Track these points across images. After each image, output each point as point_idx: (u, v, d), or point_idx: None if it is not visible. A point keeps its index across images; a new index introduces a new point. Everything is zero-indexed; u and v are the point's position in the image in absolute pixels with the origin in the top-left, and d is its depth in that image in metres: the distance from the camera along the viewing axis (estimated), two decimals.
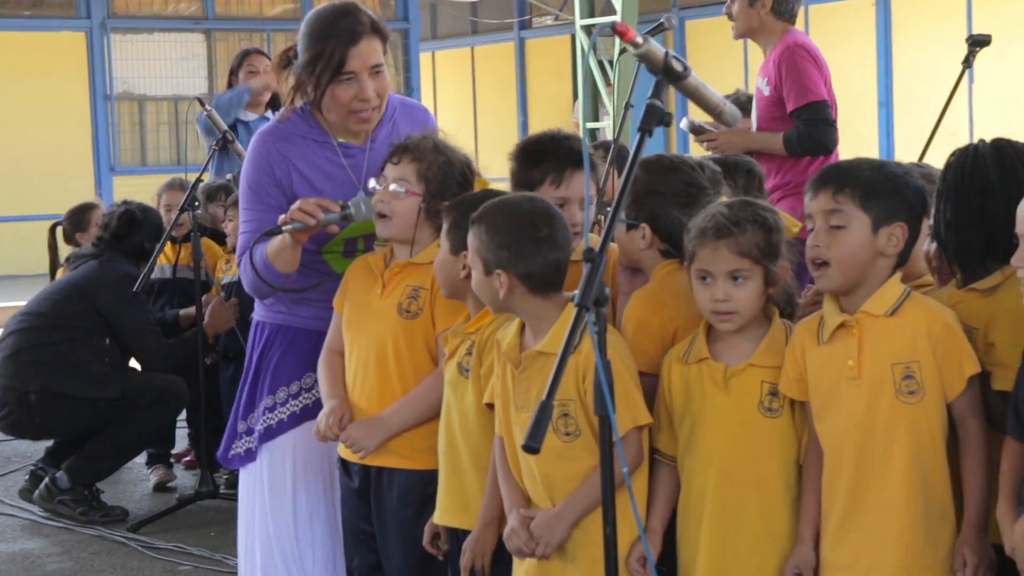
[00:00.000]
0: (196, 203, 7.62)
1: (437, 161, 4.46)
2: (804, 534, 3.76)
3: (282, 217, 4.47)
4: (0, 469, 8.78)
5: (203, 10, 19.27)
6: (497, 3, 23.36)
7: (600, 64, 15.37)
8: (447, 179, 4.45)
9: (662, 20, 7.41)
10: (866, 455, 3.66)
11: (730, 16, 7.14)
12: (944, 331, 3.63)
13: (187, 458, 8.70)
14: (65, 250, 8.63)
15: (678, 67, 3.40)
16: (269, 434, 4.81)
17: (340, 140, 4.70)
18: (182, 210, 7.68)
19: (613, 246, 4.16)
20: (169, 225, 7.90)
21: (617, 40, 4.14)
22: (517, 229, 3.90)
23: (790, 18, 7.04)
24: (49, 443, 8.14)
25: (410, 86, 19.73)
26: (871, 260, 3.68)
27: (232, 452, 4.93)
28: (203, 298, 7.83)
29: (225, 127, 8.09)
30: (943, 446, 3.65)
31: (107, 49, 18.52)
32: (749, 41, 7.36)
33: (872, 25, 18.64)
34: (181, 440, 8.74)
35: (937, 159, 4.03)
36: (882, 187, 3.69)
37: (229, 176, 8.43)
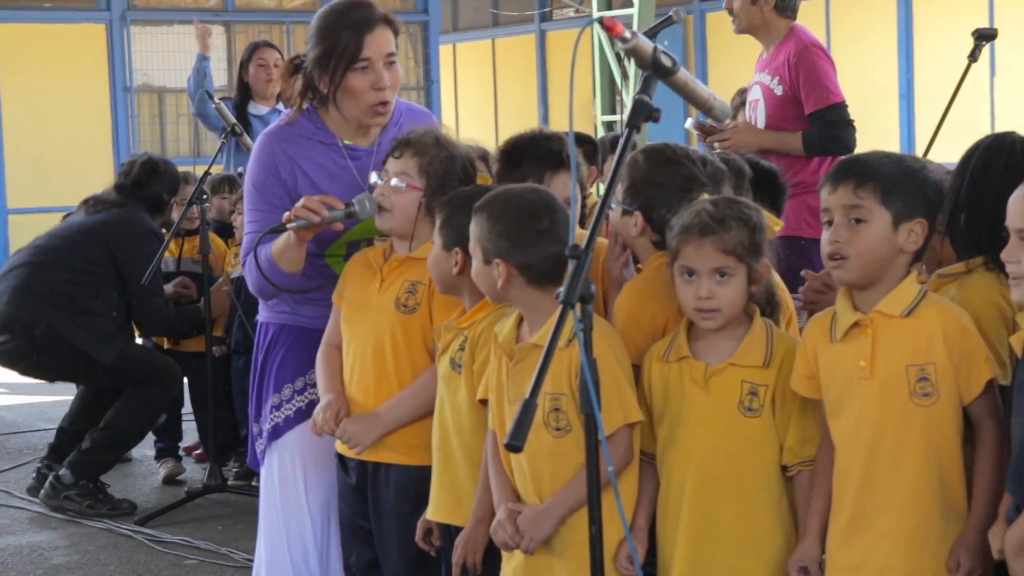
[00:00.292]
0: (205, 196, 7.62)
1: (439, 156, 4.45)
2: (811, 528, 3.74)
3: (286, 214, 4.46)
4: (11, 462, 8.79)
5: (223, 2, 19.25)
6: None
7: (618, 56, 15.35)
8: (449, 174, 4.44)
9: (670, 13, 7.39)
10: (877, 456, 3.61)
11: (730, 12, 7.09)
12: (960, 334, 3.58)
13: (197, 451, 8.70)
14: None
15: (667, 62, 3.37)
16: (276, 432, 4.80)
17: (346, 142, 4.69)
18: (190, 203, 7.68)
19: (601, 241, 4.14)
20: (178, 219, 7.91)
21: (628, 32, 4.13)
22: (518, 219, 3.89)
23: (792, 15, 6.99)
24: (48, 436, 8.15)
25: (429, 78, 19.67)
26: (891, 256, 3.63)
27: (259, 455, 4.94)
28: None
29: (233, 120, 8.10)
30: (958, 448, 3.60)
31: (127, 41, 18.49)
32: None
33: (893, 17, 18.56)
34: (191, 434, 8.73)
35: (955, 153, 3.97)
36: (903, 182, 3.64)
37: (240, 169, 8.42)
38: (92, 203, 8.00)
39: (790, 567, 3.73)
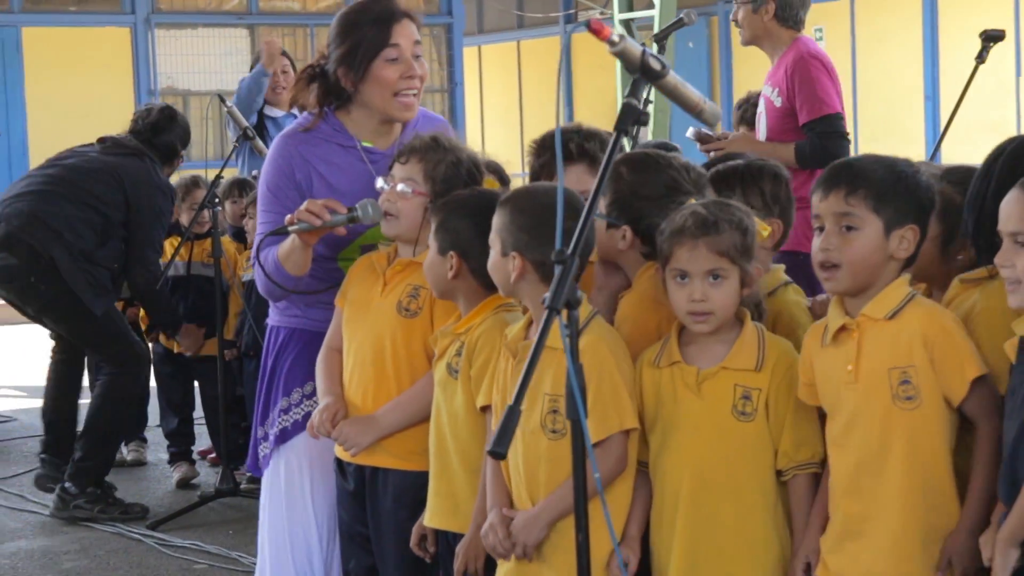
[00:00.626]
0: (217, 200, 7.61)
1: (444, 160, 4.44)
2: (813, 522, 3.72)
3: (288, 217, 4.46)
4: (26, 465, 8.76)
5: (246, 5, 19.31)
6: None
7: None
8: (454, 179, 4.42)
9: (681, 16, 7.38)
10: (863, 460, 3.58)
11: (736, 23, 7.04)
12: (940, 335, 3.53)
13: (211, 455, 8.70)
14: None
15: (656, 65, 3.32)
16: (284, 436, 4.79)
17: (365, 144, 4.68)
18: (201, 207, 7.68)
19: None
20: (189, 223, 7.91)
21: (616, 35, 4.03)
22: (540, 215, 3.84)
23: (795, 25, 6.90)
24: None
25: (453, 80, 19.69)
26: (882, 263, 3.60)
27: (260, 459, 4.92)
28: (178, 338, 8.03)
29: (246, 123, 8.10)
30: (946, 453, 3.56)
31: (151, 44, 18.57)
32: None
33: (919, 19, 18.49)
34: (204, 438, 8.73)
35: (979, 156, 3.92)
36: (895, 189, 3.60)
37: (254, 173, 8.41)
38: (110, 143, 7.92)
39: (795, 562, 3.71)
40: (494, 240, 3.94)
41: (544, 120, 23.24)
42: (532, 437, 3.82)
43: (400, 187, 4.41)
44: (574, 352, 3.17)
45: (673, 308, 3.79)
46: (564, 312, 3.15)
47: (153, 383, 8.58)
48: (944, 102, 18.06)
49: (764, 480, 3.76)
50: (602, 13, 21.35)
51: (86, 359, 8.30)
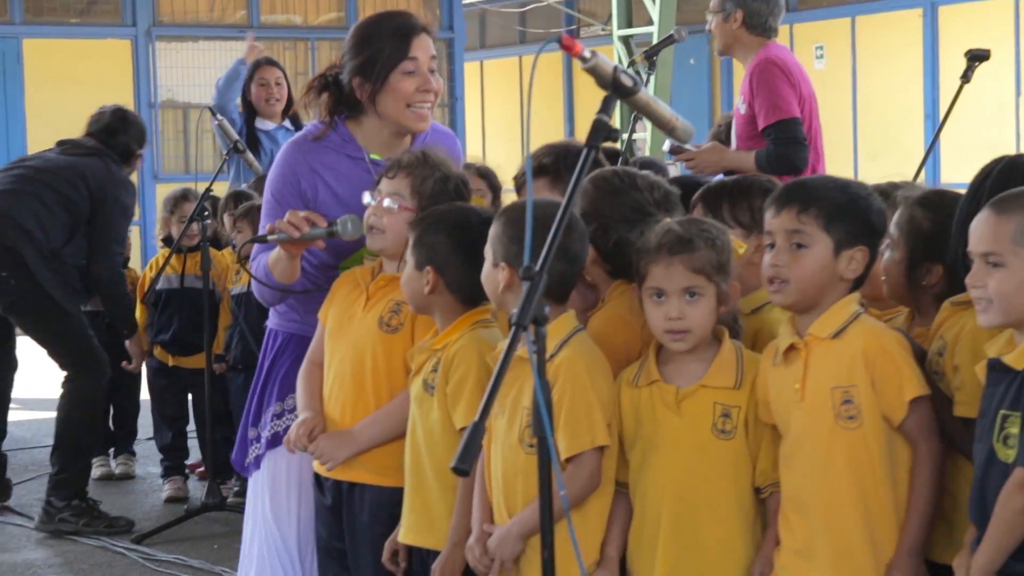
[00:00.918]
0: (206, 213, 7.59)
1: (432, 176, 4.43)
2: (770, 535, 3.73)
3: (269, 226, 4.48)
4: (16, 477, 8.71)
5: (248, 18, 19.28)
6: (545, 12, 23.32)
7: (638, 73, 15.27)
8: (441, 195, 4.41)
9: (672, 32, 7.38)
10: (810, 479, 3.59)
11: (711, 33, 7.03)
12: (880, 354, 3.55)
13: (200, 469, 8.67)
14: None
15: (627, 82, 3.31)
16: (276, 440, 4.78)
17: (373, 156, 4.67)
18: (191, 220, 7.66)
19: None
20: (178, 236, 7.89)
21: (587, 51, 4.00)
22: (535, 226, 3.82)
23: (765, 32, 6.85)
24: None
25: (454, 95, 19.67)
26: (829, 282, 3.62)
27: (247, 460, 4.92)
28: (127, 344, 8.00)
29: (236, 136, 8.09)
30: (885, 473, 3.56)
31: (152, 57, 18.54)
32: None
33: (919, 37, 18.46)
34: (196, 451, 8.69)
35: None
36: (846, 209, 3.63)
37: (244, 185, 8.40)
38: (69, 145, 7.99)
39: (752, 572, 3.72)
40: (487, 251, 3.94)
41: (545, 135, 23.22)
42: (511, 451, 3.81)
43: (387, 202, 4.39)
44: (541, 369, 3.15)
45: (650, 327, 3.78)
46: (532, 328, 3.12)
47: (146, 396, 8.58)
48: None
49: (744, 498, 3.75)
50: (603, 29, 21.38)
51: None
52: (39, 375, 8.69)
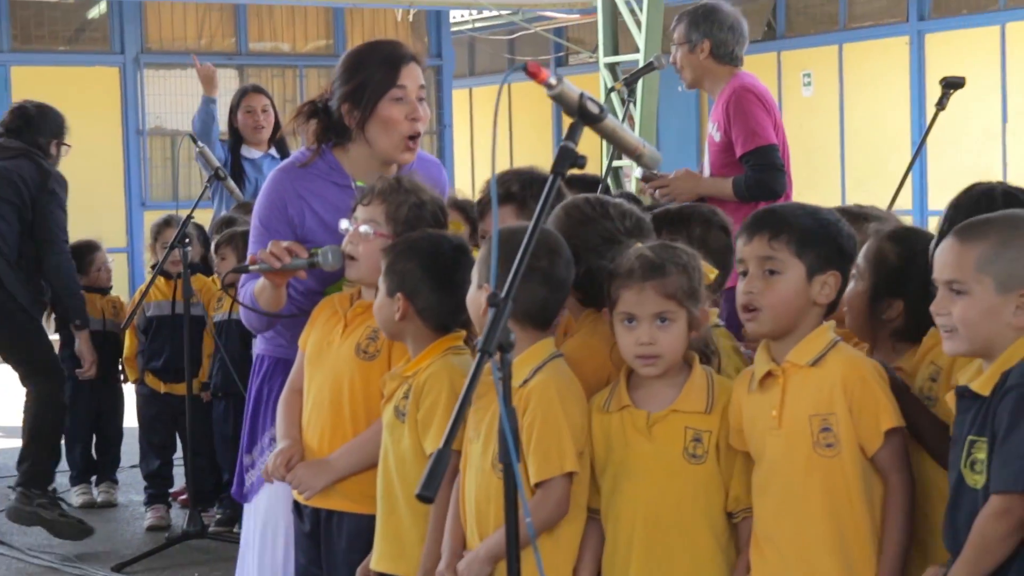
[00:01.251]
0: (187, 240, 7.59)
1: (407, 202, 4.43)
2: (740, 565, 3.74)
3: (251, 256, 4.49)
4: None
5: (236, 46, 19.33)
6: (534, 40, 23.36)
7: (622, 99, 15.24)
8: (418, 220, 4.41)
9: (652, 60, 7.39)
10: (785, 507, 3.60)
11: (675, 66, 7.02)
12: (859, 384, 3.57)
13: (182, 496, 8.64)
14: None
15: (593, 109, 3.32)
16: None
17: (359, 183, 4.68)
18: (171, 247, 7.66)
19: None
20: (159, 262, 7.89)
21: (553, 78, 3.98)
22: (513, 252, 3.81)
23: (732, 61, 6.84)
24: None
25: (443, 123, 19.72)
26: (803, 308, 3.64)
27: (245, 488, 4.91)
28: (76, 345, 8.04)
29: (217, 164, 8.10)
30: (862, 502, 3.57)
31: (140, 84, 18.57)
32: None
33: (906, 65, 18.51)
34: (179, 479, 8.67)
35: None
36: (817, 235, 3.66)
37: (224, 212, 8.39)
38: None
39: None
40: (473, 274, 3.94)
41: (534, 163, 23.24)
42: (484, 476, 3.80)
43: (363, 228, 4.40)
44: (507, 395, 3.16)
45: (621, 351, 3.78)
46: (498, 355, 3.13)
47: (129, 423, 8.57)
48: (931, 148, 18.04)
49: (716, 522, 3.75)
50: (591, 57, 21.41)
51: None
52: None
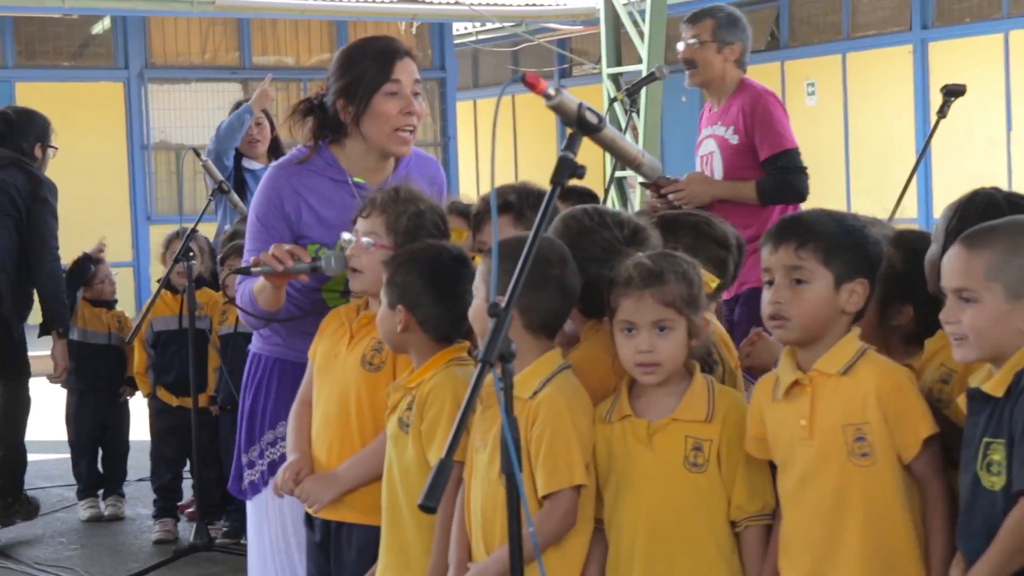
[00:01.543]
0: (191, 254, 7.59)
1: (407, 212, 4.43)
2: (765, 572, 3.72)
3: (253, 258, 4.51)
4: None
5: (240, 60, 19.38)
6: (537, 51, 23.39)
7: (624, 109, 15.27)
8: (418, 230, 4.41)
9: (653, 70, 7.41)
10: (820, 517, 3.57)
11: (687, 64, 7.03)
12: (894, 392, 3.53)
13: (190, 510, 8.64)
14: None
15: (592, 119, 3.32)
16: (273, 469, 4.78)
17: (356, 179, 4.70)
18: (176, 260, 7.66)
19: None
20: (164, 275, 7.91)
21: (551, 89, 3.99)
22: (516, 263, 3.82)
23: (743, 67, 6.98)
24: None
25: (447, 134, 19.75)
26: (832, 317, 3.60)
27: (243, 485, 4.92)
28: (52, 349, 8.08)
29: (221, 177, 8.10)
30: (903, 509, 3.54)
31: (144, 99, 18.63)
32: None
33: (911, 73, 18.53)
34: (188, 493, 8.66)
35: None
36: (844, 243, 3.61)
37: (227, 227, 8.40)
38: None
39: None
40: (477, 286, 3.93)
41: (539, 174, 23.23)
42: (491, 486, 3.79)
43: (365, 240, 4.41)
44: (508, 406, 3.15)
45: (621, 360, 3.77)
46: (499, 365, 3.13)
47: (144, 436, 8.57)
48: (936, 156, 18.07)
49: (719, 531, 3.74)
50: (594, 68, 21.43)
51: None
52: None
